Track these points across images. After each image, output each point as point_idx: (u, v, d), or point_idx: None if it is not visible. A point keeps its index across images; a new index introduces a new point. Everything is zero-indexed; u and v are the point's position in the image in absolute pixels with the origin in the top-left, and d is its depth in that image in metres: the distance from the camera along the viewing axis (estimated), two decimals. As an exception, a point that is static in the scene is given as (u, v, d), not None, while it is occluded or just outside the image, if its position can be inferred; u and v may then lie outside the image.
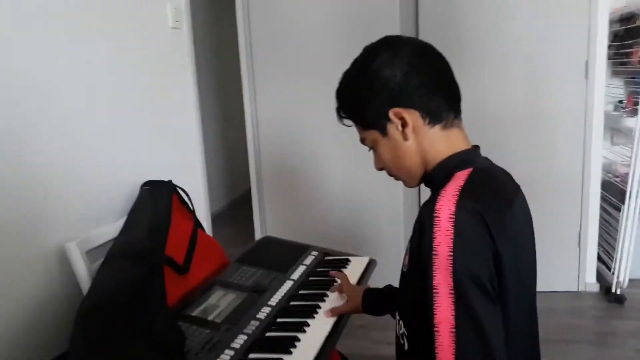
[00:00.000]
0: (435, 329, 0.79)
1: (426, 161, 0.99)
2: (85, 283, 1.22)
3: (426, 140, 0.97)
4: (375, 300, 1.32)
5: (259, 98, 2.92)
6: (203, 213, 1.99)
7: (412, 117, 0.95)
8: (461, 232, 0.81)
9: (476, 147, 1.01)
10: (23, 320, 1.17)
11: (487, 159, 1.01)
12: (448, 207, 0.83)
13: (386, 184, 2.79)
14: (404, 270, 0.96)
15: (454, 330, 0.78)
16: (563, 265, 2.89)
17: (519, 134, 2.76)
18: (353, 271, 1.57)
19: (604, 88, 2.76)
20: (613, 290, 2.79)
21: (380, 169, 1.06)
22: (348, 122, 1.05)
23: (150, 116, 1.72)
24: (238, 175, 4.97)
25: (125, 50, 1.58)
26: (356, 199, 2.91)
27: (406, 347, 0.96)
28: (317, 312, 1.30)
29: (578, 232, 2.86)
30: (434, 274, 0.80)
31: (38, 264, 1.21)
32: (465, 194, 0.86)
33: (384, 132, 0.98)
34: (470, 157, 0.98)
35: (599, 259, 2.95)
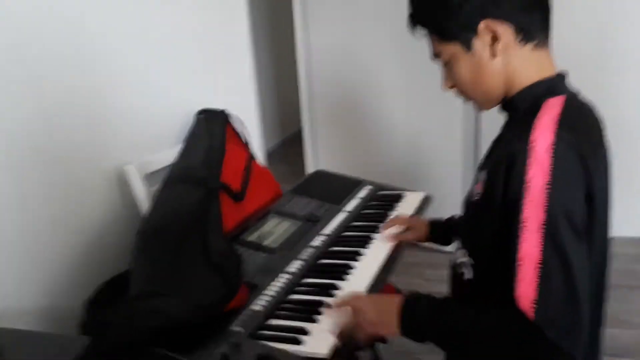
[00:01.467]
0: (518, 262, 0.76)
1: (510, 83, 0.90)
2: (143, 205, 1.25)
3: (515, 60, 0.88)
4: (442, 229, 1.31)
5: (312, 29, 2.83)
6: (257, 146, 1.99)
7: (505, 32, 0.86)
8: (560, 165, 0.75)
9: (563, 74, 0.93)
10: (87, 240, 1.22)
11: (574, 87, 0.93)
12: (545, 137, 0.77)
13: (444, 121, 2.71)
14: (474, 199, 0.91)
15: (540, 265, 0.75)
16: (630, 210, 2.76)
17: (592, 72, 2.58)
18: (407, 206, 1.54)
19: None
20: (681, 238, 2.66)
21: (451, 88, 0.97)
22: (421, 31, 0.95)
23: (205, 46, 1.70)
24: (290, 113, 4.95)
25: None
26: (412, 135, 2.82)
27: (467, 276, 0.94)
28: (370, 243, 1.29)
29: (647, 176, 2.70)
30: (524, 207, 0.76)
31: (100, 185, 1.24)
32: (563, 124, 0.79)
33: (467, 46, 0.89)
34: (560, 83, 0.90)
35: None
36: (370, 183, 1.70)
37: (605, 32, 2.57)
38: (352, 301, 0.98)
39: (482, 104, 0.96)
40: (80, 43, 1.18)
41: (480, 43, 0.88)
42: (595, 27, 2.57)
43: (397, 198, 1.59)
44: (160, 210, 1.19)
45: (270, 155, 4.38)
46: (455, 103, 2.35)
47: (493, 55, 0.88)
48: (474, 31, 0.87)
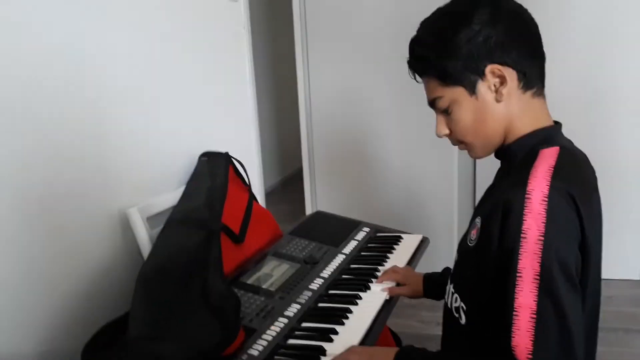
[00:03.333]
0: (514, 312, 0.77)
1: (509, 131, 0.93)
2: (145, 248, 1.26)
3: (516, 106, 0.91)
4: (437, 285, 1.29)
5: (312, 74, 2.91)
6: (257, 187, 2.02)
7: (510, 77, 0.89)
8: (554, 216, 0.78)
9: (558, 124, 0.96)
10: (88, 282, 1.22)
11: (567, 138, 0.96)
12: (541, 188, 0.80)
13: (440, 164, 2.75)
14: (470, 244, 0.93)
15: (534, 316, 0.76)
16: (625, 253, 2.77)
17: (582, 114, 2.63)
18: (405, 249, 1.55)
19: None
20: (679, 280, 2.66)
21: (445, 135, 0.98)
22: (421, 78, 0.97)
23: (208, 89, 1.75)
24: (290, 153, 5.00)
25: (184, 23, 1.61)
26: (409, 178, 2.87)
27: (463, 321, 0.95)
28: (369, 286, 1.30)
29: (643, 218, 2.72)
30: (519, 257, 0.78)
31: (102, 228, 1.26)
32: (558, 175, 0.82)
33: (472, 90, 0.90)
34: (555, 134, 0.93)
35: (665, 247, 2.81)
36: (368, 225, 1.72)
37: (595, 72, 2.63)
38: (347, 355, 0.97)
39: (478, 150, 0.97)
40: (85, 83, 1.21)
41: (486, 87, 0.90)
42: (586, 66, 2.63)
43: (395, 240, 1.61)
44: (161, 253, 1.20)
45: (270, 194, 4.41)
46: (453, 146, 2.39)
47: (499, 99, 0.90)
48: (479, 74, 0.89)
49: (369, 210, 2.84)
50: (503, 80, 0.89)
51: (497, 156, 0.99)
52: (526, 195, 0.79)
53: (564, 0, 2.58)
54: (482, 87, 0.90)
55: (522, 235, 0.78)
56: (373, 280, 1.33)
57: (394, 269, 1.36)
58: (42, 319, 1.12)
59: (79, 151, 1.19)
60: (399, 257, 1.50)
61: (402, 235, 1.65)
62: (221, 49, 1.85)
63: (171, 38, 1.54)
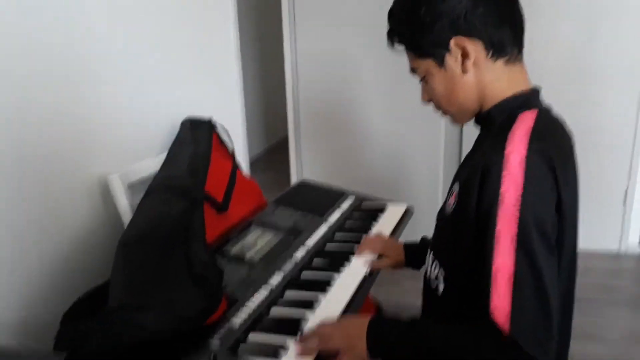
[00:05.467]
0: (492, 275, 0.78)
1: (483, 98, 0.93)
2: (126, 215, 1.24)
3: (487, 75, 0.91)
4: (416, 254, 1.29)
5: (299, 38, 2.85)
6: (241, 155, 1.99)
7: (476, 48, 0.89)
8: (532, 178, 0.78)
9: (537, 88, 0.96)
10: (67, 250, 1.20)
11: (546, 102, 0.96)
12: (519, 150, 0.80)
13: (426, 131, 2.74)
14: (448, 211, 0.93)
15: (512, 278, 0.77)
16: (605, 224, 2.81)
17: (572, 85, 2.63)
18: (389, 218, 1.56)
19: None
20: (657, 253, 2.71)
21: (428, 102, 1.00)
22: (399, 47, 0.98)
23: (192, 53, 1.70)
24: (276, 121, 4.96)
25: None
26: (395, 145, 2.85)
27: (441, 289, 0.95)
28: (352, 255, 1.30)
29: (625, 189, 2.75)
30: (497, 220, 0.78)
31: (82, 195, 1.24)
32: (536, 137, 0.82)
33: (440, 62, 0.92)
34: (533, 98, 0.93)
35: (645, 219, 2.85)
36: (353, 193, 1.72)
37: (582, 45, 2.62)
38: (320, 329, 0.97)
39: (457, 118, 1.00)
40: (64, 49, 1.17)
41: (452, 59, 0.91)
42: (572, 40, 2.62)
43: (379, 209, 1.61)
44: (143, 221, 1.18)
45: (255, 162, 4.38)
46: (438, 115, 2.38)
47: (464, 71, 0.91)
48: (445, 48, 0.90)
49: (354, 178, 2.83)
50: (466, 53, 0.89)
51: (476, 122, 0.99)
52: (504, 158, 0.80)
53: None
54: (449, 59, 0.91)
55: (500, 197, 0.78)
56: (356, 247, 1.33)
57: (374, 238, 1.35)
58: (20, 285, 1.10)
59: (58, 115, 1.16)
60: (383, 226, 1.50)
61: (387, 204, 1.65)
62: (205, 13, 1.80)
63: (154, 2, 1.48)
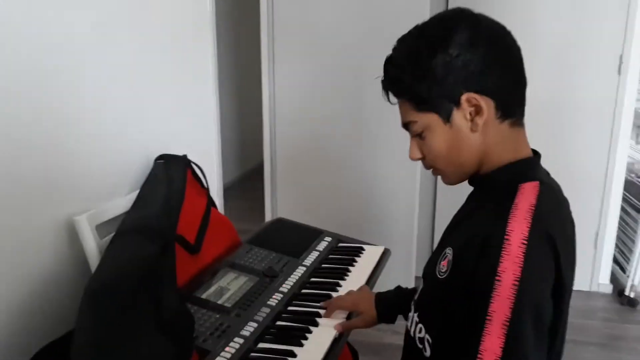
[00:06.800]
0: (478, 355, 0.75)
1: (484, 160, 0.89)
2: (94, 259, 1.18)
3: (493, 136, 0.87)
4: (391, 308, 1.23)
5: (278, 69, 2.84)
6: (216, 189, 1.94)
7: (488, 106, 0.85)
8: (532, 261, 0.75)
9: (537, 154, 0.93)
10: (28, 296, 1.12)
11: (544, 169, 0.93)
12: (521, 230, 0.77)
13: (403, 174, 2.74)
14: (440, 276, 0.89)
15: None
16: (577, 264, 2.82)
17: (543, 126, 2.67)
18: (367, 261, 1.53)
19: (637, 85, 2.66)
20: (626, 293, 2.74)
21: (419, 159, 0.94)
22: (394, 99, 0.91)
23: (167, 88, 1.65)
24: (251, 148, 4.92)
25: (145, 19, 1.51)
26: (370, 185, 2.84)
27: (427, 353, 0.92)
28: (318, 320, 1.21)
29: (596, 232, 2.79)
30: (491, 300, 0.75)
31: (47, 237, 1.16)
32: (539, 216, 0.78)
33: (446, 118, 0.86)
34: (534, 167, 0.90)
35: (614, 260, 2.89)
36: (330, 234, 1.69)
37: (557, 84, 2.68)
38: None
39: (451, 177, 0.94)
40: (30, 80, 1.11)
41: (461, 116, 0.86)
42: (552, 78, 2.67)
43: (356, 252, 1.58)
44: (111, 265, 1.12)
45: (228, 189, 4.31)
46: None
47: (473, 129, 0.86)
48: (455, 103, 0.85)
49: (328, 212, 2.81)
50: (479, 110, 0.85)
51: (471, 183, 0.95)
52: (505, 236, 0.77)
53: (529, 12, 2.61)
54: (457, 115, 0.86)
55: (497, 277, 0.75)
56: (334, 295, 1.29)
57: (340, 298, 1.26)
58: (-25, 335, 1.03)
59: (22, 151, 1.09)
60: (360, 269, 1.47)
61: (364, 246, 1.63)
62: (183, 46, 1.76)
63: (127, 33, 1.43)
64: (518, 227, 0.77)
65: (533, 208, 0.80)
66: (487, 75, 0.84)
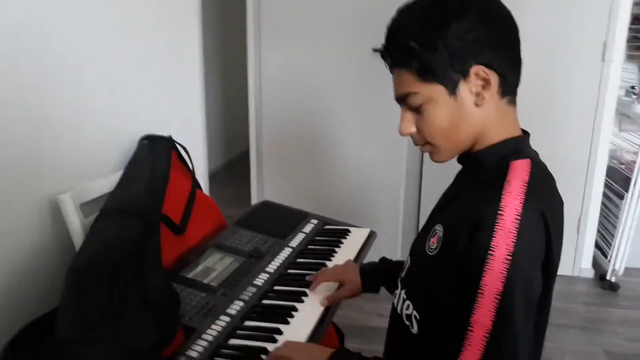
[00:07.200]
0: (469, 327, 0.76)
1: (480, 137, 0.88)
2: (78, 237, 1.17)
3: (493, 112, 0.86)
4: (375, 279, 1.24)
5: (264, 52, 2.82)
6: (201, 172, 1.93)
7: (494, 81, 0.84)
8: (525, 237, 0.76)
9: (527, 133, 0.93)
10: (12, 275, 1.11)
11: (533, 149, 0.94)
12: (515, 205, 0.77)
13: (388, 153, 2.75)
14: (429, 252, 0.90)
15: (488, 335, 0.75)
16: (563, 248, 2.86)
17: (527, 112, 2.67)
18: (353, 243, 1.53)
19: (620, 72, 2.68)
20: (608, 278, 2.78)
21: (409, 134, 0.91)
22: (394, 68, 0.88)
23: (152, 68, 1.64)
24: (237, 134, 4.89)
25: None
26: (356, 167, 2.85)
27: (414, 330, 0.92)
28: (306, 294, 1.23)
29: (578, 217, 2.82)
30: (483, 274, 0.75)
31: (30, 215, 1.15)
32: (531, 192, 0.79)
33: (452, 90, 0.84)
34: (525, 145, 0.91)
35: (596, 245, 2.93)
36: (316, 217, 1.69)
37: (545, 76, 2.69)
38: (283, 350, 0.95)
39: (443, 154, 0.91)
40: (17, 59, 1.10)
41: (467, 88, 0.84)
42: (535, 64, 2.69)
43: (342, 234, 1.58)
44: (95, 244, 1.11)
45: (214, 175, 4.29)
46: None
47: (477, 103, 0.85)
48: (463, 74, 0.83)
49: (315, 198, 2.81)
50: (486, 84, 0.84)
51: (460, 161, 0.95)
52: (499, 212, 0.77)
53: (518, 3, 2.61)
54: (463, 88, 0.84)
55: (489, 251, 0.76)
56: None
57: (324, 271, 1.28)
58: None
59: (4, 129, 1.08)
60: (346, 251, 1.48)
61: (350, 228, 1.63)
62: (168, 27, 1.74)
63: (112, 12, 1.42)
64: (511, 203, 0.78)
65: (525, 185, 0.80)
66: (495, 50, 0.83)
